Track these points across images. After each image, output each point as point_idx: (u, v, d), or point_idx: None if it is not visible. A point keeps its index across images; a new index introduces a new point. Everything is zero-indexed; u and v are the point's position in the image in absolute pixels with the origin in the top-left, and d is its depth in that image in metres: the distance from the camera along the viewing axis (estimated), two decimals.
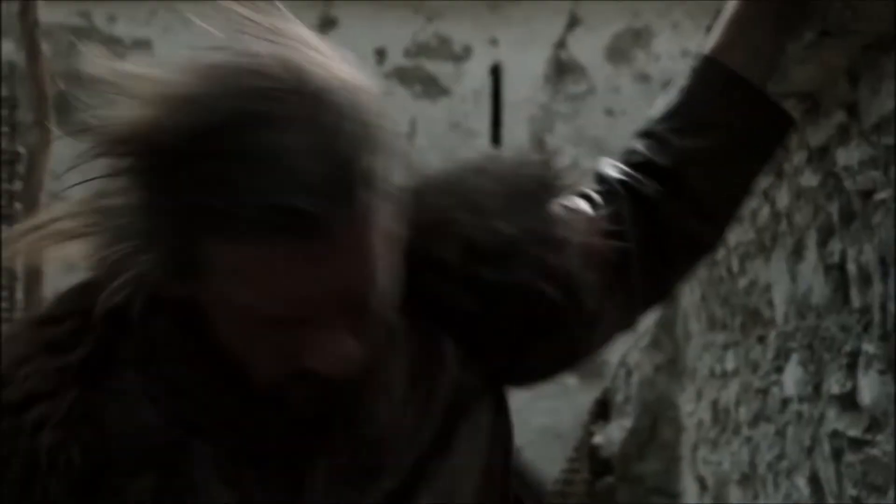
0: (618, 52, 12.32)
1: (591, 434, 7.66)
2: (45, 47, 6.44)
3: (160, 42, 11.99)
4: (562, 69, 12.31)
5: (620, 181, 1.72)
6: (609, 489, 7.17)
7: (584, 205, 1.66)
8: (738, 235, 4.59)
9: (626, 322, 1.74)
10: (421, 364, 1.47)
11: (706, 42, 1.86)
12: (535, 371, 1.65)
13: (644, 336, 6.94)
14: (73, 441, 1.34)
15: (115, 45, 12.07)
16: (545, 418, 12.60)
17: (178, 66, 1.29)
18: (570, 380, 12.73)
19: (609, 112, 11.95)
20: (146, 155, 1.25)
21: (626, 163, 1.75)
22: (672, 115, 1.78)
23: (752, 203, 4.28)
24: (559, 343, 1.57)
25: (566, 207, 1.58)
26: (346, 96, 1.27)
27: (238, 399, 1.35)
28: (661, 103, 1.83)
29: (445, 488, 1.47)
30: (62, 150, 10.70)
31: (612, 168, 1.75)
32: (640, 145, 1.77)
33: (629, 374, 7.19)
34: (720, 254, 4.99)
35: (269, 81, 1.24)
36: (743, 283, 4.55)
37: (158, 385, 1.38)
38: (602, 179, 1.73)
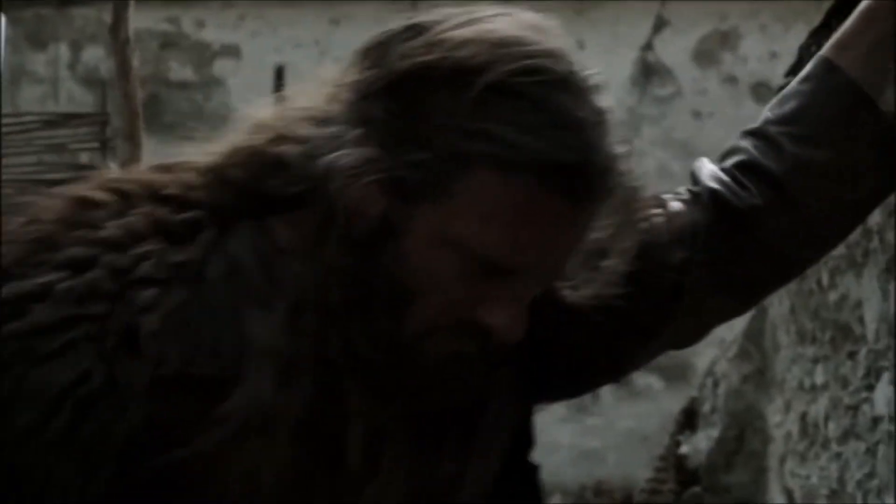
0: (705, 55, 12.25)
1: (677, 444, 7.62)
2: (135, 55, 6.51)
3: (248, 47, 12.11)
4: (648, 71, 12.26)
5: (712, 191, 1.61)
6: (696, 499, 7.13)
7: (672, 205, 1.61)
8: None
9: (686, 333, 1.66)
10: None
11: (831, 39, 1.73)
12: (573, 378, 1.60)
13: (732, 346, 6.90)
14: (170, 339, 1.31)
15: (203, 50, 12.20)
16: (631, 422, 12.56)
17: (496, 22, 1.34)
18: (656, 383, 12.71)
19: (696, 114, 11.89)
20: (455, 78, 1.27)
21: (730, 163, 1.64)
22: (788, 120, 1.65)
23: None
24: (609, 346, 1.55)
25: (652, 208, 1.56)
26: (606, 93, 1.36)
27: (373, 335, 1.33)
28: (775, 104, 1.70)
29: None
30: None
31: (708, 173, 1.64)
32: (748, 143, 1.65)
33: (716, 384, 7.15)
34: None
35: (568, 60, 1.33)
36: (833, 297, 4.51)
37: (265, 298, 1.35)
38: (695, 183, 1.64)
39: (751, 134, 1.66)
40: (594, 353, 1.55)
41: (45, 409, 1.28)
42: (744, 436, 6.73)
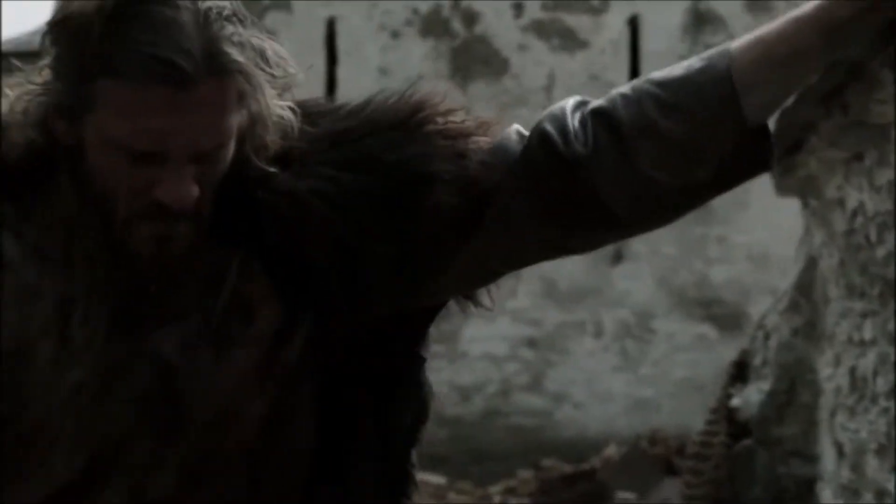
0: (758, 3, 12.17)
1: (728, 396, 7.63)
2: None
3: (299, 1, 12.14)
4: (700, 20, 12.20)
5: (542, 132, 1.75)
6: (747, 452, 7.15)
7: (506, 132, 1.79)
8: (875, 204, 4.56)
9: (490, 265, 1.80)
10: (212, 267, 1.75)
11: (749, 34, 1.79)
12: (370, 290, 1.74)
13: (782, 299, 6.90)
14: None
15: (253, 4, 12.23)
16: (685, 371, 12.60)
17: None
18: (710, 332, 12.72)
19: None
20: (70, 21, 1.66)
21: (593, 105, 1.76)
22: (664, 85, 1.73)
23: (889, 174, 4.24)
24: (399, 258, 1.72)
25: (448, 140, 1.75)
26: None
27: (92, 231, 1.70)
28: (672, 66, 1.78)
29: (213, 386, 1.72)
30: None
31: (549, 115, 1.77)
32: (619, 92, 1.77)
33: (767, 336, 7.15)
34: (858, 221, 4.95)
35: None
36: (881, 252, 4.52)
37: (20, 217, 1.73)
38: (536, 125, 1.77)
39: (633, 85, 1.78)
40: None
41: None
42: (795, 388, 6.74)
